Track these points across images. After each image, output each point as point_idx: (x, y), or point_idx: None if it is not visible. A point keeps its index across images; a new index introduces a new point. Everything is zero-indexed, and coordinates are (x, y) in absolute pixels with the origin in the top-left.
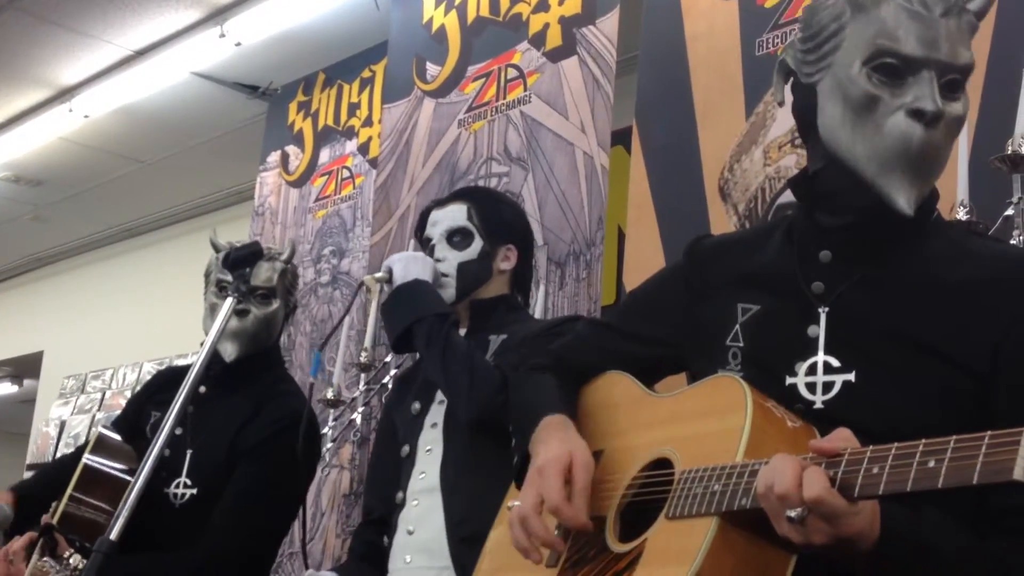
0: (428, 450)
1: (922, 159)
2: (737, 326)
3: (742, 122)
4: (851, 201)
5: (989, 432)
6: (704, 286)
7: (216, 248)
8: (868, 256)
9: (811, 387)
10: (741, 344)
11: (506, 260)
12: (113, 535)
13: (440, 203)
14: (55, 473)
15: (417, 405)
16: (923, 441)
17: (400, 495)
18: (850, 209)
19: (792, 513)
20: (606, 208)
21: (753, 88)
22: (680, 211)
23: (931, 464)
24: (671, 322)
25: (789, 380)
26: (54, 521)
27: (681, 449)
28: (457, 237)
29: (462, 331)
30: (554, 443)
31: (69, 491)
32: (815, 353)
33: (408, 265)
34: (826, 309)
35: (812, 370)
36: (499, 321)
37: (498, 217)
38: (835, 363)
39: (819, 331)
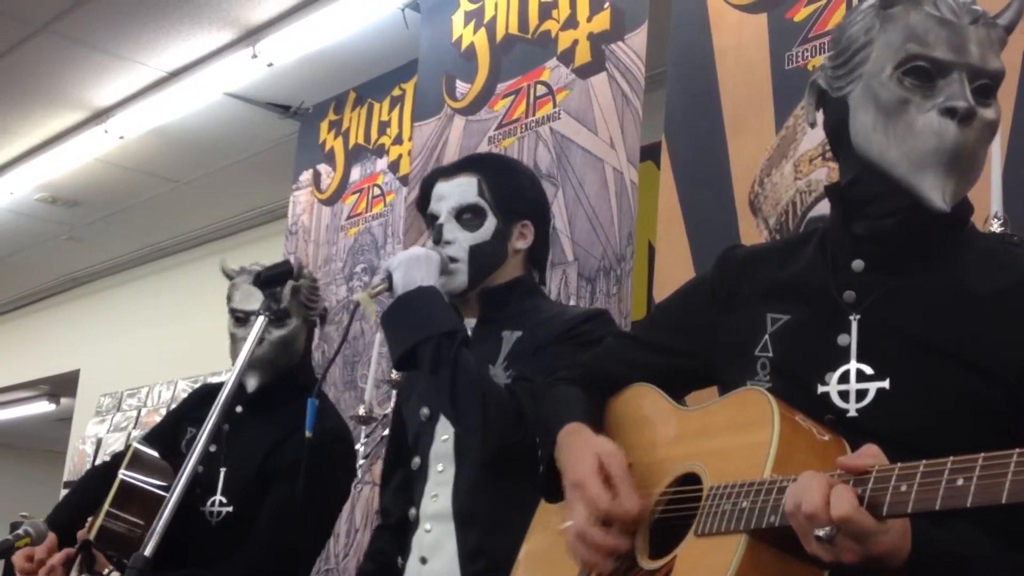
0: (440, 469)
1: (956, 157)
2: (767, 336)
3: (772, 136)
4: (887, 206)
5: (1018, 450)
6: (733, 296)
7: (227, 275)
8: (901, 265)
9: (844, 395)
10: (770, 354)
11: (522, 238)
12: (148, 551)
13: (446, 173)
14: (83, 493)
15: (426, 411)
16: (951, 459)
17: (413, 512)
18: (886, 214)
19: (820, 532)
20: (636, 223)
21: (783, 102)
22: (710, 225)
23: (959, 482)
24: (698, 333)
25: (821, 389)
26: (91, 537)
27: (709, 464)
28: (468, 215)
29: (472, 321)
30: (577, 450)
31: (106, 507)
32: (847, 361)
33: (410, 269)
34: (858, 317)
35: (844, 378)
36: (513, 310)
37: (513, 190)
38: (868, 371)
39: (849, 339)
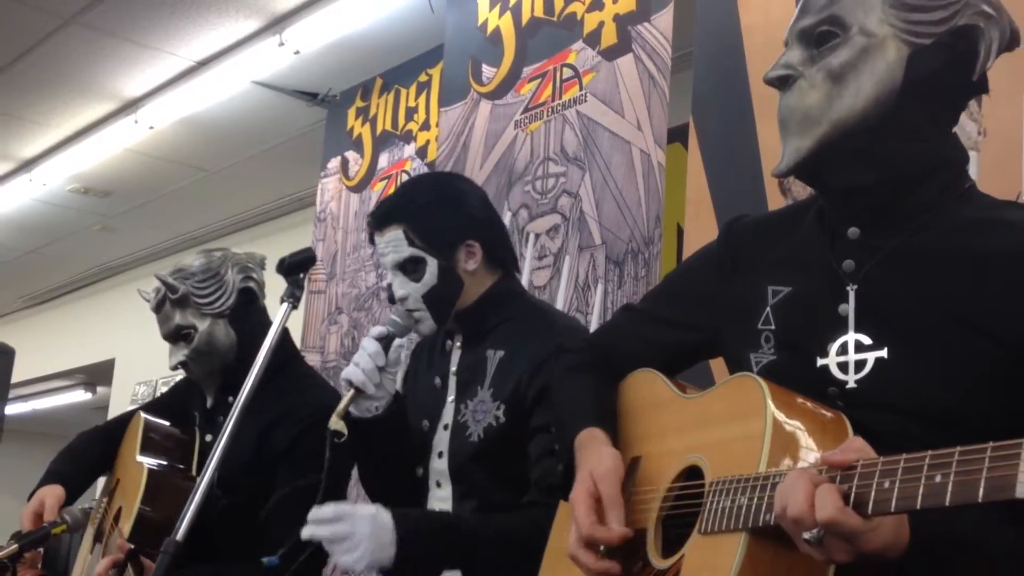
0: (438, 484)
1: (783, 122)
2: (768, 308)
3: None
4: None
5: (991, 444)
6: (738, 267)
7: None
8: (896, 228)
9: (843, 367)
10: (773, 327)
11: (471, 258)
12: (179, 536)
13: (377, 226)
14: (85, 449)
15: (426, 423)
16: (929, 453)
17: (420, 471)
18: (836, 194)
19: (807, 535)
20: (664, 205)
21: None
22: (740, 207)
23: (938, 479)
24: (705, 305)
25: (821, 361)
26: (126, 535)
27: (709, 456)
28: (409, 267)
29: (458, 342)
30: (582, 468)
31: (138, 500)
32: (846, 332)
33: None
34: (855, 287)
35: (843, 350)
36: (492, 324)
37: (439, 224)
38: (866, 341)
39: (849, 309)
